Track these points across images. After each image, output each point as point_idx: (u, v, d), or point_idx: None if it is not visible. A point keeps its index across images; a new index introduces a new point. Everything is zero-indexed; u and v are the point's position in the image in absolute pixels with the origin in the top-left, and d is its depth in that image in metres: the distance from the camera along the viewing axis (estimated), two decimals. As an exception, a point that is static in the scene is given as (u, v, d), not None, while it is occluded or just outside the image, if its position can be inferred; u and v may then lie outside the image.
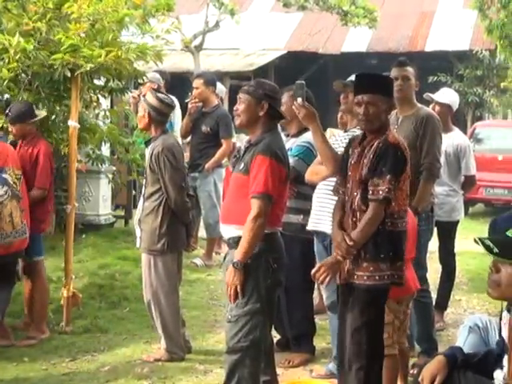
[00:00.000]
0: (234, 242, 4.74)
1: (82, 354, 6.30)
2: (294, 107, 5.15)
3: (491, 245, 3.09)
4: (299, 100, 5.12)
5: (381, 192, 4.43)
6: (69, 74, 6.53)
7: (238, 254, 4.60)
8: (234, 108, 4.94)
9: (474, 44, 18.98)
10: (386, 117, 4.66)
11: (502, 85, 17.66)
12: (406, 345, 5.40)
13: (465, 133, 16.47)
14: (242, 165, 4.77)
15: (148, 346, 6.52)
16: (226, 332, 4.89)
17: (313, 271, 4.63)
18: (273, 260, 4.75)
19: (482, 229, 6.20)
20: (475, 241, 3.23)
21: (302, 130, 6.18)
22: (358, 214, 4.55)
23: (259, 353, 4.80)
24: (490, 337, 4.49)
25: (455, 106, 7.41)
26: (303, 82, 5.28)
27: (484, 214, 14.82)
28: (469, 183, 7.58)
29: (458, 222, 7.53)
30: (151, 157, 6.05)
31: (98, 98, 7.64)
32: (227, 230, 4.91)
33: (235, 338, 4.69)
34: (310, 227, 5.88)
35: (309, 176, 5.71)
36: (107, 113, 8.09)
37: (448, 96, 7.44)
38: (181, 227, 6.18)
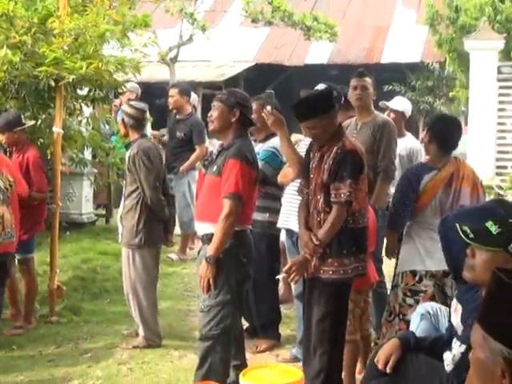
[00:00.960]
0: (208, 238, 4.74)
1: (66, 341, 6.31)
2: (263, 114, 5.15)
3: (468, 230, 3.13)
4: (268, 108, 5.11)
5: (343, 195, 4.47)
6: (53, 84, 6.57)
7: (210, 250, 4.61)
8: (208, 115, 4.95)
9: (425, 57, 19.08)
10: (333, 127, 4.65)
11: (451, 94, 17.80)
12: (369, 331, 5.45)
13: (417, 137, 16.60)
14: (215, 167, 4.78)
15: (127, 336, 6.49)
16: (199, 321, 4.91)
17: (284, 269, 4.68)
18: (243, 255, 4.77)
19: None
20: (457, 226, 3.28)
21: (269, 136, 6.20)
22: (322, 215, 4.59)
23: (229, 340, 4.81)
24: (439, 323, 4.53)
25: (408, 113, 7.47)
26: (272, 91, 5.28)
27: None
28: None
29: None
30: (129, 159, 6.13)
31: (80, 107, 7.63)
32: (201, 227, 4.92)
33: (207, 327, 4.70)
34: (279, 225, 5.93)
35: (280, 178, 5.75)
36: (89, 120, 8.07)
37: (402, 104, 7.49)
38: (158, 223, 6.21)
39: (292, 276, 4.59)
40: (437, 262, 4.95)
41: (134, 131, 6.25)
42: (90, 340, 6.38)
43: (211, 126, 4.92)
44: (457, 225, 3.27)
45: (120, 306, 7.17)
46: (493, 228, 3.05)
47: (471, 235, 3.12)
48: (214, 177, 4.79)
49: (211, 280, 4.60)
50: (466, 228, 3.15)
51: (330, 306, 4.60)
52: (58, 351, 6.09)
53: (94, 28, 6.70)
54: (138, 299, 6.16)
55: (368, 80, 6.23)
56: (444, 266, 4.43)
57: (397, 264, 5.62)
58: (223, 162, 4.69)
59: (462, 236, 3.15)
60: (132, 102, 6.61)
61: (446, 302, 4.81)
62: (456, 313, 3.67)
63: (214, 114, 4.85)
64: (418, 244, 5.35)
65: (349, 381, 5.05)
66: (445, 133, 5.43)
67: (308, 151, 4.85)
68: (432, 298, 5.05)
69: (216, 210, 4.63)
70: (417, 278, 5.25)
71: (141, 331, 6.22)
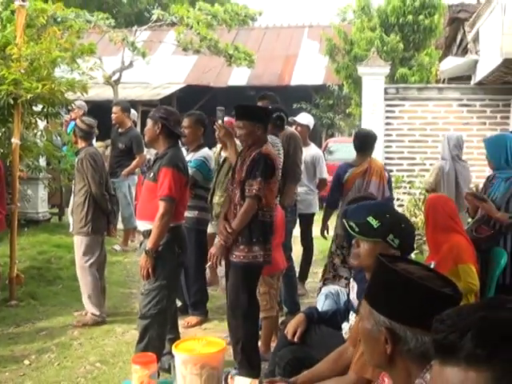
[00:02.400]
0: (147, 234, 4.70)
1: (25, 322, 6.18)
2: (215, 127, 5.21)
3: (353, 225, 3.18)
4: (219, 122, 5.18)
5: (254, 190, 4.51)
6: (12, 102, 6.44)
7: (149, 243, 4.59)
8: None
9: (326, 80, 19.32)
10: (257, 135, 4.66)
11: (348, 111, 18.09)
12: (276, 308, 5.49)
13: (320, 147, 16.86)
14: (152, 174, 4.76)
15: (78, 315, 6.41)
16: (139, 302, 4.86)
17: (208, 256, 4.69)
18: (177, 246, 4.76)
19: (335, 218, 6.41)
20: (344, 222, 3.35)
21: (200, 146, 6.24)
22: (238, 208, 4.61)
23: (165, 318, 4.81)
24: (340, 300, 4.62)
25: (311, 126, 7.57)
26: (223, 108, 5.33)
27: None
28: (322, 184, 7.73)
29: (314, 214, 7.68)
30: (77, 162, 6.26)
31: (36, 121, 7.50)
32: (142, 225, 4.88)
33: (146, 307, 4.68)
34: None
35: None
36: (43, 132, 7.94)
37: (306, 118, 7.59)
38: (102, 215, 6.27)
39: (212, 260, 4.63)
40: None
41: (83, 141, 6.36)
42: (45, 320, 6.26)
43: (146, 138, 4.96)
44: (344, 221, 3.34)
45: (71, 291, 7.08)
46: (373, 222, 3.10)
47: (356, 229, 3.16)
48: (150, 182, 4.77)
49: (150, 269, 4.59)
50: (351, 223, 3.20)
51: (241, 286, 4.63)
52: (17, 330, 5.96)
53: (47, 54, 6.63)
54: (84, 279, 6.18)
55: (266, 102, 6.40)
56: None
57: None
58: (158, 170, 4.68)
59: (349, 230, 3.21)
60: (84, 118, 6.64)
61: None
62: (353, 290, 3.73)
63: (146, 128, 4.86)
64: None
65: (265, 349, 5.09)
66: (361, 142, 6.46)
67: (238, 156, 4.87)
68: None
69: (153, 210, 4.62)
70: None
71: (88, 309, 6.19)
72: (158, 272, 4.64)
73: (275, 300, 5.31)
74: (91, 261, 6.15)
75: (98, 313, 6.18)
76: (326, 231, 6.80)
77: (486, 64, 9.18)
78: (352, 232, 3.18)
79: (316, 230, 8.34)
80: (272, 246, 4.77)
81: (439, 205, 4.73)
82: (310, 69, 20.03)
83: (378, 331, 1.95)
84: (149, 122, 4.81)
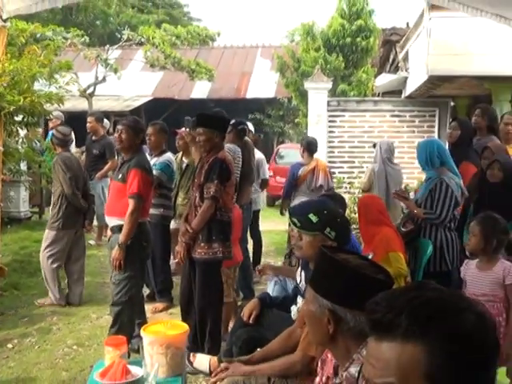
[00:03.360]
0: (117, 229, 4.67)
1: (8, 310, 6.06)
2: (183, 134, 5.22)
3: (296, 221, 3.19)
4: (187, 129, 5.27)
5: (211, 192, 4.49)
6: (-5, 113, 6.29)
7: (121, 237, 4.54)
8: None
9: (277, 93, 19.35)
10: (214, 142, 4.63)
11: (296, 120, 18.17)
12: (234, 295, 5.50)
13: (272, 152, 16.94)
14: (120, 175, 4.71)
15: (56, 304, 6.27)
16: (111, 290, 4.82)
17: (175, 253, 4.69)
18: (144, 241, 4.73)
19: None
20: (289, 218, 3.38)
21: (163, 152, 6.20)
22: (197, 209, 4.59)
23: (134, 305, 4.78)
24: (287, 286, 4.63)
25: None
26: (190, 118, 5.31)
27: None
28: (264, 184, 7.85)
29: (259, 210, 7.76)
30: (52, 166, 6.43)
31: (17, 130, 7.36)
32: (111, 221, 4.83)
33: (118, 295, 4.65)
34: None
35: None
36: (24, 140, 7.79)
37: (252, 127, 7.64)
38: (76, 213, 6.26)
39: (178, 256, 4.63)
40: None
41: (59, 147, 6.45)
42: (27, 308, 6.15)
43: (122, 144, 4.86)
44: (289, 217, 3.36)
45: (50, 282, 6.95)
46: (313, 218, 3.13)
47: (298, 224, 3.18)
48: (119, 183, 4.72)
49: (122, 261, 4.54)
50: (294, 219, 3.22)
51: (204, 279, 4.62)
52: (1, 318, 5.84)
53: (28, 70, 6.52)
54: (44, 267, 6.19)
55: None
56: None
57: None
58: (127, 171, 4.63)
59: (292, 225, 3.24)
60: (59, 128, 6.71)
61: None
62: (300, 277, 3.76)
63: (124, 136, 4.80)
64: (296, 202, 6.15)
65: (224, 330, 5.09)
66: (309, 146, 7.33)
67: (198, 162, 4.85)
68: None
69: (121, 207, 4.59)
70: None
71: (50, 294, 6.25)
72: (128, 263, 4.60)
73: (232, 288, 5.31)
74: (50, 253, 6.14)
75: (55, 296, 6.19)
76: (284, 210, 7.41)
77: (415, 80, 9.33)
78: (295, 227, 3.21)
79: (270, 224, 8.40)
80: (231, 243, 4.77)
81: (369, 202, 4.84)
82: (263, 83, 20.07)
83: (321, 313, 1.97)
84: (126, 132, 4.72)
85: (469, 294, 3.62)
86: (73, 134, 7.02)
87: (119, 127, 4.79)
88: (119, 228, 4.64)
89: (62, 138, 6.44)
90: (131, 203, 4.56)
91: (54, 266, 6.16)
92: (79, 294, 6.36)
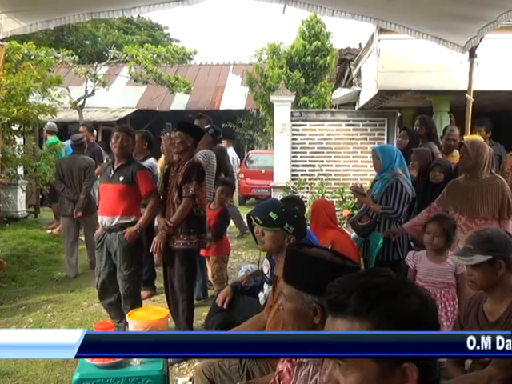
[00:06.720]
0: (120, 227, 4.59)
1: (7, 300, 5.96)
2: (163, 138, 5.26)
3: (258, 219, 3.18)
4: (167, 134, 5.33)
5: (190, 191, 4.48)
6: (-7, 123, 6.19)
7: (141, 221, 4.59)
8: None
9: (247, 105, 19.33)
10: (187, 145, 4.62)
11: (264, 129, 18.21)
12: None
13: (243, 155, 16.91)
14: (122, 178, 4.59)
15: (51, 293, 6.21)
16: (121, 286, 4.69)
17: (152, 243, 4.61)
18: (142, 239, 4.78)
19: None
20: (249, 217, 3.37)
21: (146, 157, 6.14)
22: (175, 206, 4.57)
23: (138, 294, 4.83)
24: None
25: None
26: (170, 124, 5.31)
27: (255, 203, 15.13)
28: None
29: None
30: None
31: (14, 138, 7.26)
32: (110, 220, 4.65)
33: (129, 289, 4.63)
34: None
35: None
36: (20, 147, 7.68)
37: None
38: (68, 202, 6.80)
39: (156, 246, 4.56)
40: None
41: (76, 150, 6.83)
42: (24, 298, 6.05)
43: (132, 150, 4.85)
44: (250, 216, 3.35)
45: (45, 274, 6.91)
46: (273, 216, 3.12)
47: (261, 222, 3.17)
48: (122, 185, 4.58)
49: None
50: (257, 218, 3.21)
51: (183, 267, 4.57)
52: (0, 307, 5.73)
53: (23, 84, 6.47)
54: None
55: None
56: None
57: None
58: (132, 174, 4.56)
59: (255, 223, 3.23)
60: (72, 135, 7.24)
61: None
62: (266, 267, 3.76)
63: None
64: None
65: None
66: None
67: (171, 166, 4.80)
68: None
69: (127, 206, 4.56)
70: None
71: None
72: (133, 260, 4.60)
73: (225, 275, 5.44)
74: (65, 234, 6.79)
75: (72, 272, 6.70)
76: None
77: (366, 94, 9.42)
78: (258, 224, 3.20)
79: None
80: (207, 234, 4.81)
81: (322, 208, 4.80)
82: (235, 97, 20.05)
83: (307, 307, 1.90)
84: (126, 139, 4.63)
85: (425, 282, 3.67)
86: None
87: (118, 134, 4.63)
88: (122, 226, 4.56)
89: (73, 143, 7.07)
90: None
91: (73, 243, 6.93)
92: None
